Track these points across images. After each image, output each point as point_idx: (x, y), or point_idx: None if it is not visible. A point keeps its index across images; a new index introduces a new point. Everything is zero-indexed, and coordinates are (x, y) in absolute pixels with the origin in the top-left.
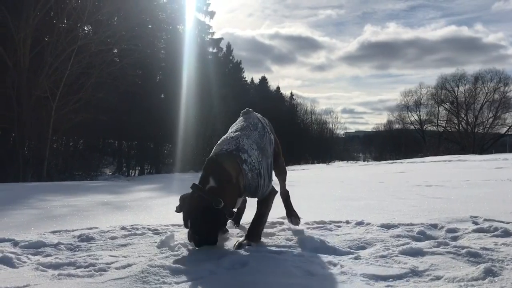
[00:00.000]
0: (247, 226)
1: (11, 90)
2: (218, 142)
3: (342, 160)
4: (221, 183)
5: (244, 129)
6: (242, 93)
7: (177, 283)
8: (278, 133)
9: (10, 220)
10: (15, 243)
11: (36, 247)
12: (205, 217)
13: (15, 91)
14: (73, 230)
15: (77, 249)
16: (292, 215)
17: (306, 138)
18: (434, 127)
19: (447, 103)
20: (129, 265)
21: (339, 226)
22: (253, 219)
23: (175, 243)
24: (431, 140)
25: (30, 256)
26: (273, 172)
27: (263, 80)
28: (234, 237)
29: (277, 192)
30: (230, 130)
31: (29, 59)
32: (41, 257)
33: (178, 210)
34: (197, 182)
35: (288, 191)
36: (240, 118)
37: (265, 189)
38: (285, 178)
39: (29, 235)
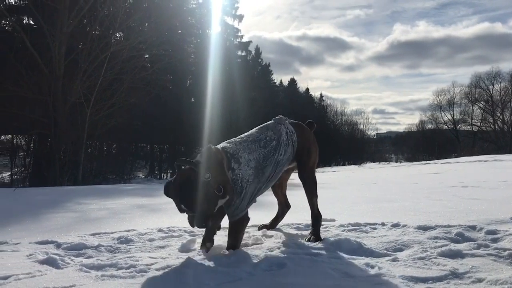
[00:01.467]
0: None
1: (48, 96)
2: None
3: (374, 161)
4: (209, 161)
5: (255, 142)
6: (271, 95)
7: (217, 284)
8: None
9: (51, 223)
10: (58, 245)
11: (78, 249)
12: (193, 187)
13: (51, 97)
14: (112, 233)
15: (117, 251)
16: (313, 234)
17: (336, 140)
18: (468, 127)
19: (482, 102)
20: (168, 267)
21: (375, 228)
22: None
23: (196, 246)
24: (465, 140)
25: (72, 258)
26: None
27: (292, 82)
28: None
29: (249, 219)
30: (250, 132)
31: (64, 66)
32: (83, 258)
33: (166, 192)
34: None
35: (320, 215)
36: (268, 124)
37: (238, 211)
38: (314, 193)
39: (70, 238)
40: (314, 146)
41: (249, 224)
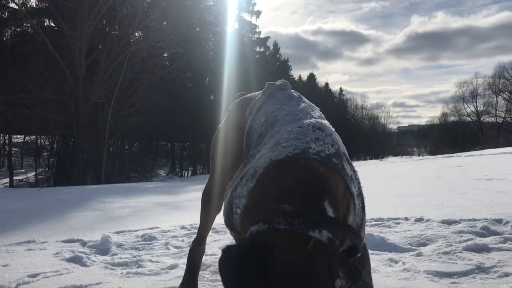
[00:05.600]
0: None
1: (69, 97)
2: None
3: (396, 156)
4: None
5: (321, 117)
6: None
7: None
8: None
9: (76, 221)
10: (83, 243)
11: (102, 247)
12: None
13: (73, 98)
14: (135, 230)
15: (141, 248)
16: None
17: (357, 134)
18: (493, 118)
19: (506, 93)
20: None
21: (398, 223)
22: None
23: (220, 245)
24: (489, 132)
25: (98, 256)
26: None
27: (311, 76)
28: None
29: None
30: (286, 108)
31: (85, 67)
32: (108, 256)
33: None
34: None
35: None
36: (282, 94)
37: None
38: None
39: (95, 236)
40: None
41: None
